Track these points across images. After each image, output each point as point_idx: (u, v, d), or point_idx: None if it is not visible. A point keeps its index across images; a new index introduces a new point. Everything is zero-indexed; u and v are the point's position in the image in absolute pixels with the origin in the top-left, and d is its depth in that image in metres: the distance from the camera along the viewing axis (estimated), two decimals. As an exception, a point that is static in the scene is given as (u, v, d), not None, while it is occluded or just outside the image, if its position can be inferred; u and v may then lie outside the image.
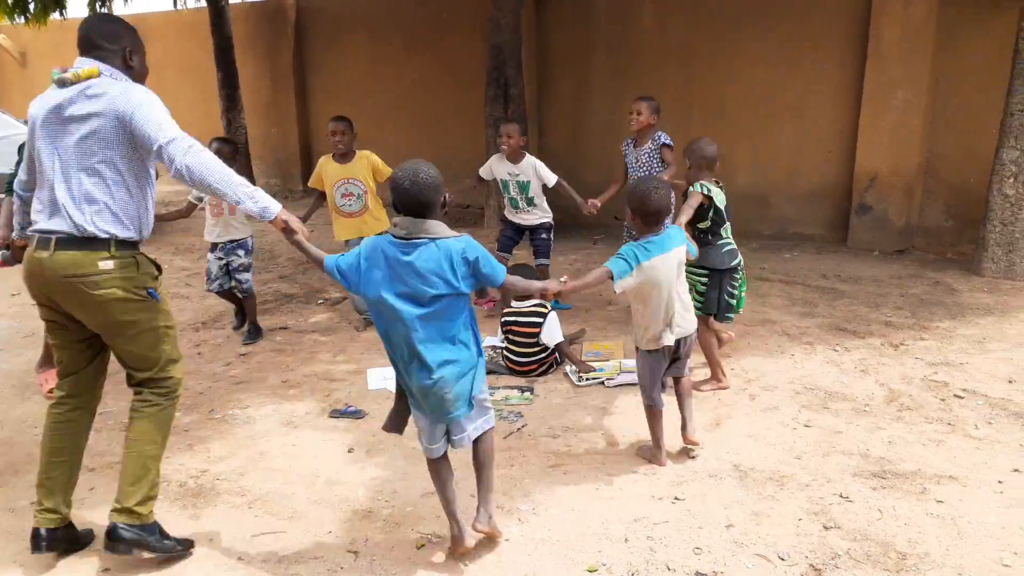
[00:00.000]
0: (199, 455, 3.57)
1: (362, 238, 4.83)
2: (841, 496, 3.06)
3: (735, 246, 4.11)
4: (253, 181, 9.66)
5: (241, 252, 5.05)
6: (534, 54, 8.50)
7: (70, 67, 2.66)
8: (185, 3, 10.38)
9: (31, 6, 8.81)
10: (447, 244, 2.47)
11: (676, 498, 3.09)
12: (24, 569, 2.75)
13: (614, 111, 8.14)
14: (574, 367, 4.32)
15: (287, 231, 2.65)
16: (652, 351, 3.27)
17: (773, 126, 7.47)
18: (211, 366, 4.68)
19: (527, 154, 5.32)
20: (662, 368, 3.31)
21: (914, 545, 2.74)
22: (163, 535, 2.72)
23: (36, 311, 2.80)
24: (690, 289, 4.08)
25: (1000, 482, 3.14)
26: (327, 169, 5.09)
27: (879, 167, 6.91)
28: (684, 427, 3.39)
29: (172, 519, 3.05)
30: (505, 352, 4.45)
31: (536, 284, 2.87)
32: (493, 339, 4.81)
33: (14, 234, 3.08)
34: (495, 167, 5.37)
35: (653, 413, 3.35)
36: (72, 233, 2.56)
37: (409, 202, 2.48)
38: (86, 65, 2.65)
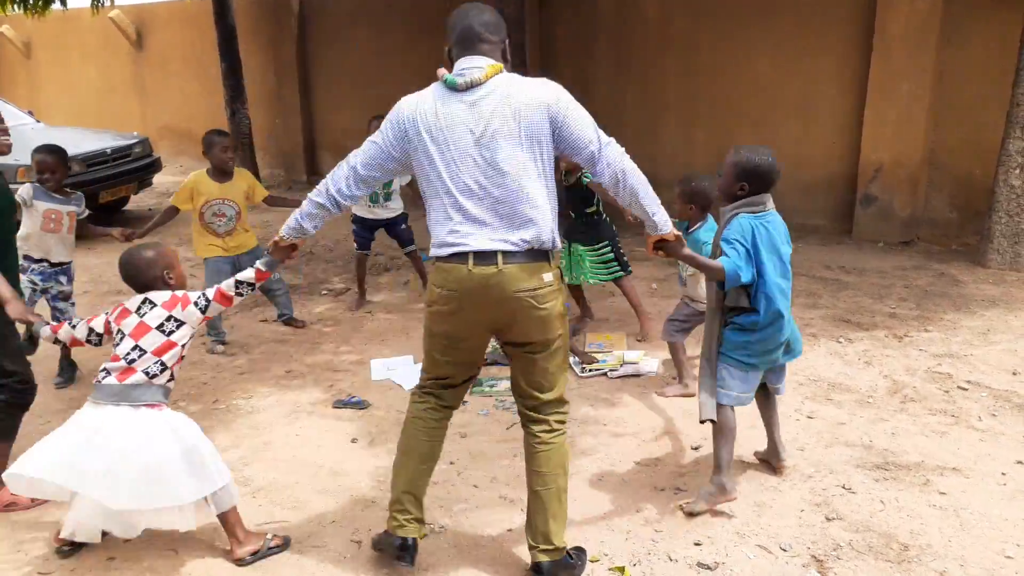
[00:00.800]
0: (203, 445, 3.58)
1: (227, 256, 4.67)
2: (844, 487, 3.06)
3: None
4: (256, 172, 9.71)
5: (64, 279, 4.23)
6: (538, 46, 8.47)
7: (451, 71, 2.43)
8: (188, -7, 10.35)
9: (31, -3, 8.80)
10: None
11: (678, 489, 3.10)
12: (30, 557, 2.77)
13: (617, 103, 8.11)
14: (577, 358, 4.33)
15: (679, 242, 2.58)
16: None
17: (777, 117, 7.43)
18: (215, 356, 4.69)
19: None
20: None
21: (916, 536, 2.75)
22: (571, 555, 2.60)
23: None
24: (603, 262, 4.66)
25: (1003, 474, 3.14)
26: (202, 187, 4.67)
27: (884, 158, 6.88)
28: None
29: (176, 508, 3.07)
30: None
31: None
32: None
33: (283, 232, 2.66)
34: None
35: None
36: (516, 248, 2.37)
37: (774, 180, 2.83)
38: (485, 63, 2.42)
